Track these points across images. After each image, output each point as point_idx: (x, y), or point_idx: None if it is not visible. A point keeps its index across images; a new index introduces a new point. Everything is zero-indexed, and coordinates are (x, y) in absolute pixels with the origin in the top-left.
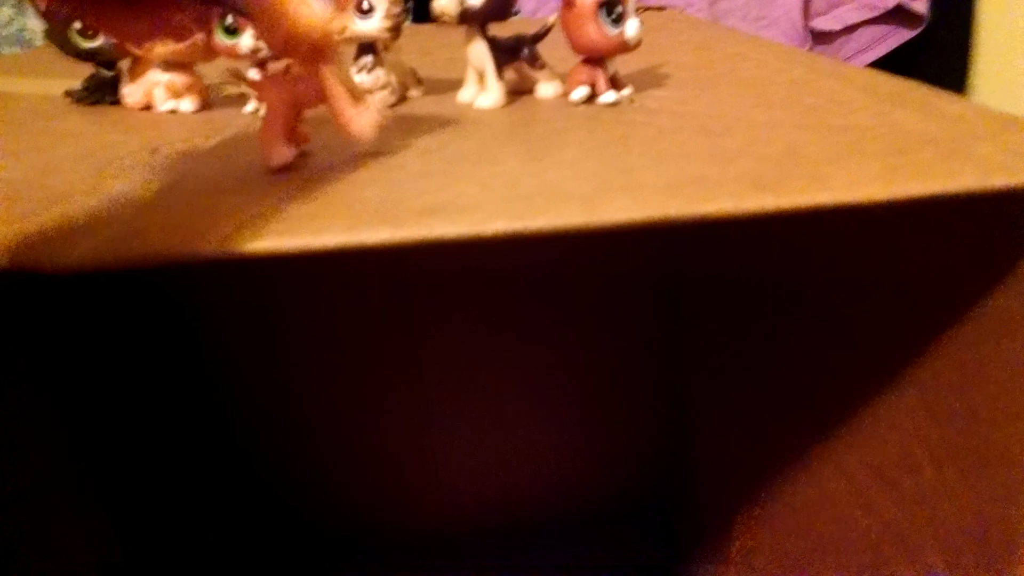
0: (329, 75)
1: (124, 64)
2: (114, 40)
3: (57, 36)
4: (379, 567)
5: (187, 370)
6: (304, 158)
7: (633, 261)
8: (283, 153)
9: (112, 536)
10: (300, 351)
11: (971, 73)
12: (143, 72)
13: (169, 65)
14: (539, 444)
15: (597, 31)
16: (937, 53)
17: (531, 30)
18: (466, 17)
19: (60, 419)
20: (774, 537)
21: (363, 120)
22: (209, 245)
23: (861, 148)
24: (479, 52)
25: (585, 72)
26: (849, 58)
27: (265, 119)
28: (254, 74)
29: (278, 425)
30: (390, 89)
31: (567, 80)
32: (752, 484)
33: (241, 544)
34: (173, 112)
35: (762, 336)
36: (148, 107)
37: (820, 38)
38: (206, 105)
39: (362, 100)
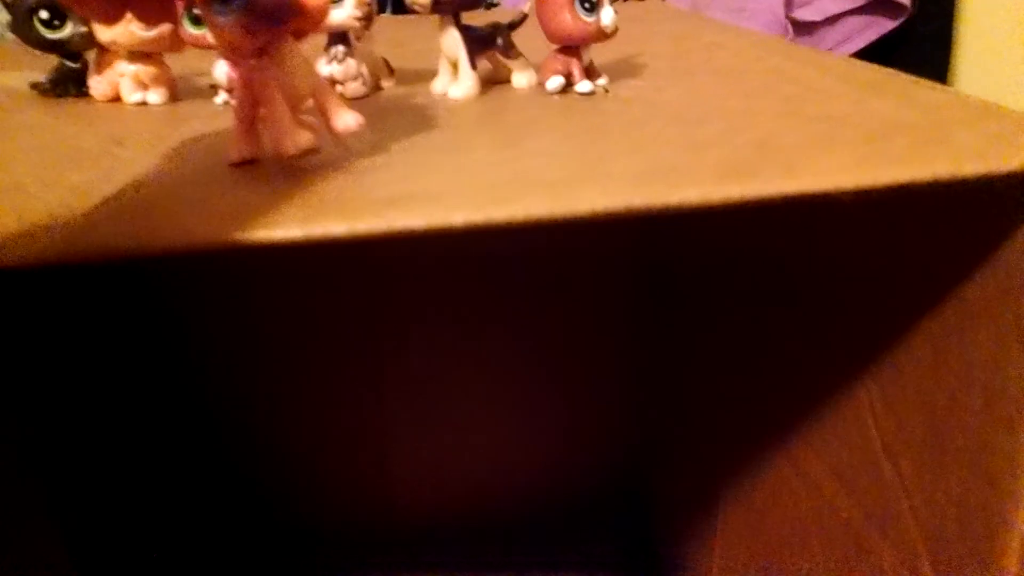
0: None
1: (90, 55)
2: (84, 16)
3: (22, 27)
4: (350, 563)
5: (151, 364)
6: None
7: (607, 250)
8: (304, 137)
9: (63, 538)
10: (263, 344)
11: (953, 64)
12: (110, 63)
13: (136, 56)
14: (511, 437)
15: (572, 19)
16: (919, 44)
17: (506, 20)
18: (439, 5)
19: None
20: (749, 531)
21: (348, 117)
22: (169, 238)
23: (836, 137)
24: (452, 41)
25: (560, 61)
26: (831, 49)
27: (271, 110)
28: (222, 66)
29: (241, 418)
30: (361, 80)
31: (541, 69)
32: (722, 479)
33: (201, 538)
34: (141, 104)
35: (731, 327)
36: (116, 99)
37: (801, 28)
38: (175, 97)
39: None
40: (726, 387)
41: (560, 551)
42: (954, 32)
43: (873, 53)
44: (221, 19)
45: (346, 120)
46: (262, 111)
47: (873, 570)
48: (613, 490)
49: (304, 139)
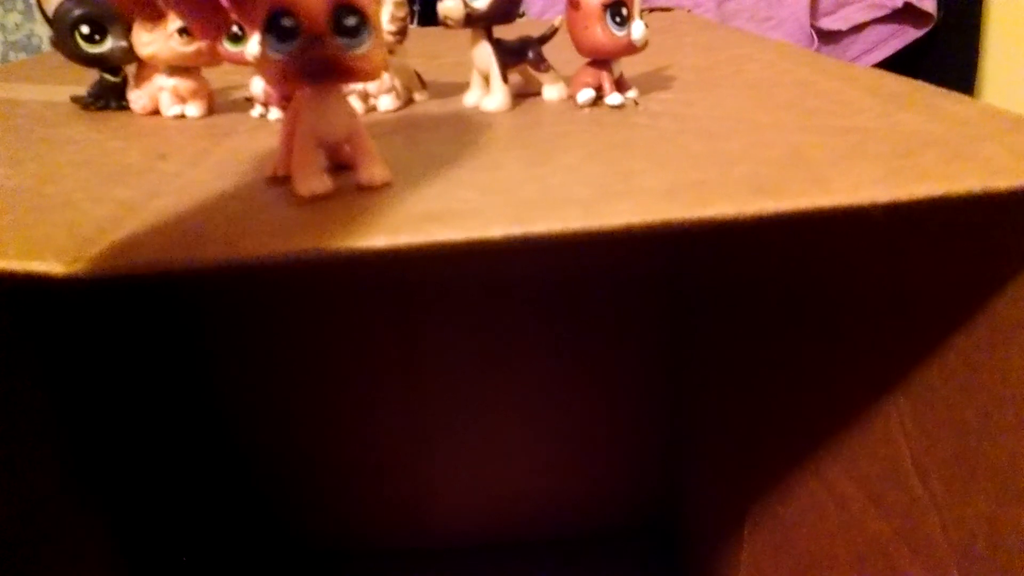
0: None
1: (130, 69)
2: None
3: (63, 42)
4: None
5: (184, 378)
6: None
7: (634, 268)
8: (320, 182)
9: (114, 549)
10: (296, 359)
11: (979, 73)
12: (149, 77)
13: (175, 70)
14: (539, 458)
15: (603, 33)
16: (944, 53)
17: (537, 32)
18: (471, 20)
19: (64, 432)
20: (776, 548)
21: (375, 173)
22: (213, 252)
23: (864, 150)
24: (484, 55)
25: (591, 74)
26: (856, 58)
27: (297, 148)
28: (259, 81)
29: (272, 434)
30: (395, 93)
31: (572, 82)
32: (748, 498)
33: (234, 552)
34: (180, 117)
35: (759, 345)
36: (155, 112)
37: (827, 38)
38: (212, 110)
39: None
40: (755, 404)
41: (588, 570)
42: (980, 41)
43: (898, 62)
44: (272, 54)
45: (371, 175)
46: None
47: None
48: (641, 508)
49: (318, 185)
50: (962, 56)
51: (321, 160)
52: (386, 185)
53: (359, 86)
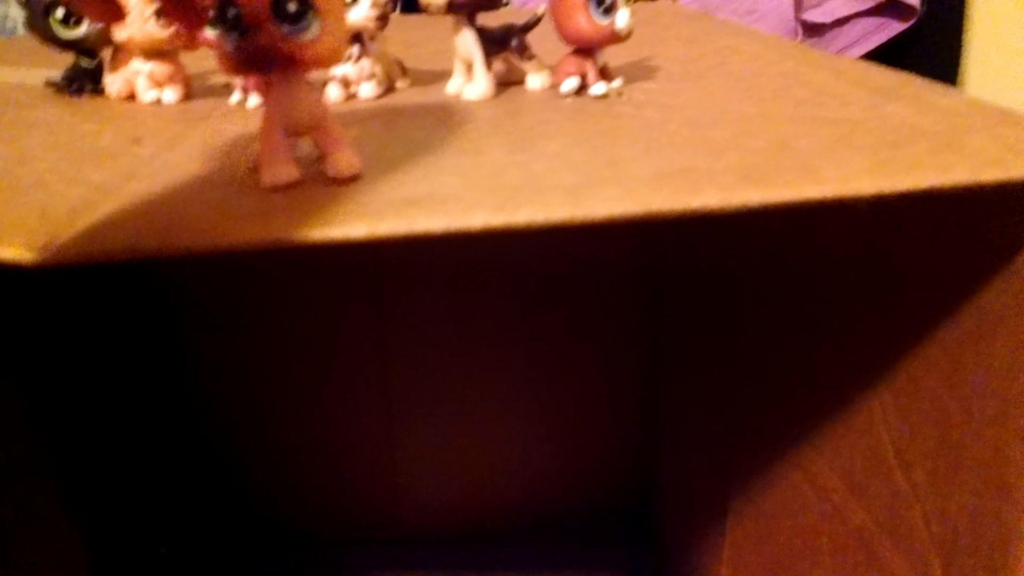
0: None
1: (106, 54)
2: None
3: (38, 25)
4: (355, 565)
5: (154, 362)
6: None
7: (613, 254)
8: (285, 171)
9: (80, 536)
10: (268, 344)
11: (963, 67)
12: (125, 61)
13: (151, 54)
14: (517, 441)
15: (587, 21)
16: (929, 47)
17: (520, 20)
18: (454, 7)
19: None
20: (758, 538)
21: (342, 164)
22: (192, 238)
23: (852, 141)
24: (467, 42)
25: (574, 63)
26: (840, 51)
27: (263, 135)
28: None
29: (244, 419)
30: (375, 80)
31: (556, 71)
32: (729, 487)
33: (206, 538)
34: (156, 102)
35: (740, 334)
36: (131, 97)
37: (811, 31)
38: (189, 95)
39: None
40: (736, 394)
41: (566, 557)
42: (964, 34)
43: (883, 55)
44: (223, 43)
45: (338, 167)
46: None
47: None
48: (621, 496)
49: (283, 173)
50: (946, 50)
51: (288, 148)
52: (355, 176)
53: (338, 73)
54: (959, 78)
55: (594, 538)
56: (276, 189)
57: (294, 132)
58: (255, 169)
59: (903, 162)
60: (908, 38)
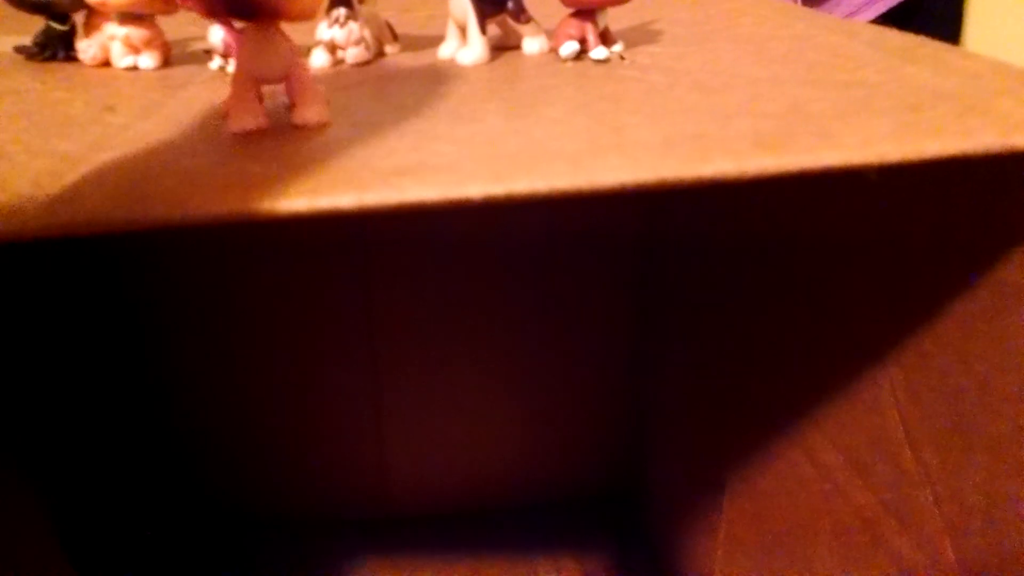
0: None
1: (79, 17)
2: None
3: None
4: (344, 549)
5: (126, 341)
6: (268, 117)
7: (603, 226)
8: (253, 118)
9: (50, 526)
10: (248, 321)
11: (963, 37)
12: (99, 26)
13: (127, 18)
14: (503, 421)
15: None
16: (929, 16)
17: None
18: None
19: None
20: (755, 517)
21: (309, 113)
22: (163, 211)
23: (871, 105)
24: (461, 4)
25: (574, 26)
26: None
27: (233, 84)
28: (217, 31)
29: (225, 400)
30: (364, 45)
31: (554, 35)
32: (725, 466)
33: (187, 523)
34: (132, 69)
35: (739, 307)
36: (106, 64)
37: (810, 1)
38: (168, 62)
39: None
40: (734, 368)
41: (557, 537)
42: (964, 4)
43: (884, 25)
44: None
45: (304, 115)
46: None
47: (890, 561)
48: (613, 475)
49: (250, 121)
50: (947, 18)
51: (256, 97)
52: (321, 124)
53: (325, 37)
54: (960, 47)
55: (585, 518)
56: (243, 136)
57: (265, 80)
58: (239, 136)
59: (926, 126)
60: (907, 9)
